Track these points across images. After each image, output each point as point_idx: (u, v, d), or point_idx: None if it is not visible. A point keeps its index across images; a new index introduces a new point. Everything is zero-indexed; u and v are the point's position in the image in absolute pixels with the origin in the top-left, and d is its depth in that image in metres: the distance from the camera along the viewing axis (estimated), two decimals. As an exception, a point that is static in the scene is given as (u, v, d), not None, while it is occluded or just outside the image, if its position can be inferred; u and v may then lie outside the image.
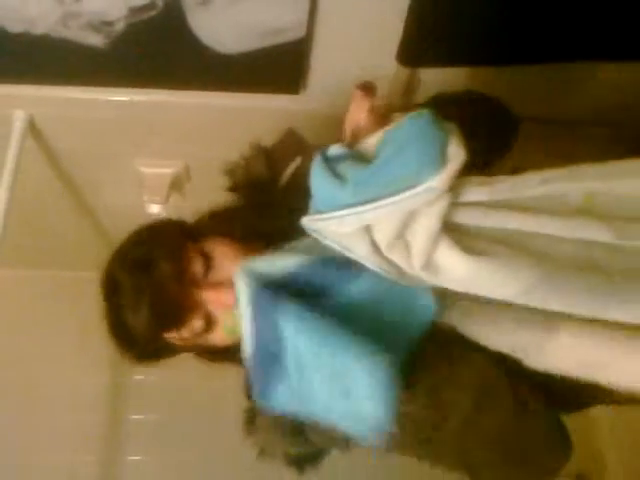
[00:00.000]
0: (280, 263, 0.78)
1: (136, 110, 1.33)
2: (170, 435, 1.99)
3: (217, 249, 0.84)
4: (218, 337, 0.83)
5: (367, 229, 0.74)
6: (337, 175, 0.74)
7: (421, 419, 0.73)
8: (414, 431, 0.74)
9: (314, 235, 0.78)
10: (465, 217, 0.75)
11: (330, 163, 0.76)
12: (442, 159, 0.71)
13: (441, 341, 0.75)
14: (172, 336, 0.83)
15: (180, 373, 1.93)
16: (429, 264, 0.72)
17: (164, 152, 1.48)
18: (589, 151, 0.90)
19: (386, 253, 0.73)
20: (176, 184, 1.54)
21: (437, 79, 1.25)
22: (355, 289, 0.76)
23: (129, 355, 0.86)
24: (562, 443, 0.78)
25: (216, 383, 1.82)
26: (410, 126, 0.73)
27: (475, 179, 0.77)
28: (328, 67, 1.25)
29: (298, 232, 0.82)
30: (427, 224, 0.72)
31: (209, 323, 0.81)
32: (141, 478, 1.98)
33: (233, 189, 1.00)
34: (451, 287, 0.73)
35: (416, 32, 1.12)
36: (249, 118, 1.33)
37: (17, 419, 1.94)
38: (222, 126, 1.37)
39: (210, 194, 0.96)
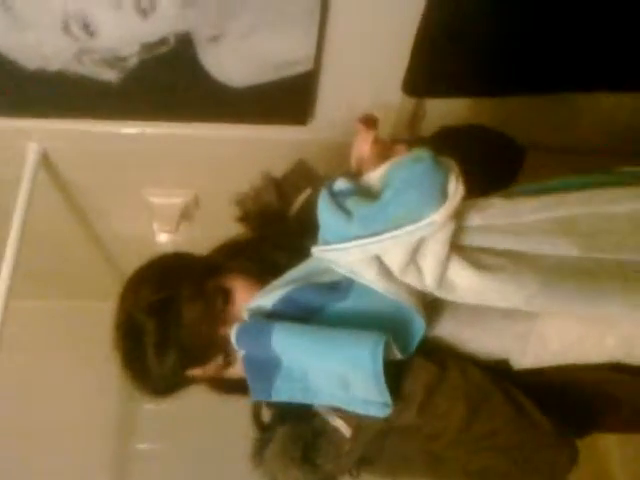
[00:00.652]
0: (272, 293, 0.81)
1: (147, 142, 1.35)
2: (178, 465, 1.98)
3: (236, 284, 0.86)
4: (238, 370, 0.85)
5: (376, 257, 0.77)
6: (343, 209, 0.76)
7: (415, 429, 0.78)
8: (414, 441, 0.80)
9: (325, 262, 0.80)
10: (469, 238, 0.79)
11: (336, 197, 0.78)
12: (443, 196, 0.74)
13: (431, 352, 0.79)
14: (194, 373, 0.85)
15: (189, 402, 1.98)
16: (443, 283, 0.76)
17: (174, 183, 1.51)
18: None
19: (400, 277, 0.76)
20: (185, 214, 1.55)
21: (442, 109, 1.27)
22: (342, 308, 0.80)
23: (145, 391, 0.88)
24: (566, 447, 0.79)
25: (224, 413, 1.86)
26: (411, 169, 0.76)
27: (476, 203, 0.82)
28: (335, 98, 1.27)
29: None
30: (435, 250, 0.75)
31: (230, 358, 0.84)
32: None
33: (243, 219, 1.02)
34: (464, 301, 0.77)
35: (421, 63, 1.15)
36: (258, 149, 1.35)
37: (25, 449, 1.93)
38: (231, 157, 1.39)
39: (219, 224, 0.98)
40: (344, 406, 0.78)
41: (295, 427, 0.87)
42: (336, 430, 0.83)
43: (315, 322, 0.80)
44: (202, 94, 1.20)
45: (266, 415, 0.92)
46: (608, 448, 1.99)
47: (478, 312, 0.79)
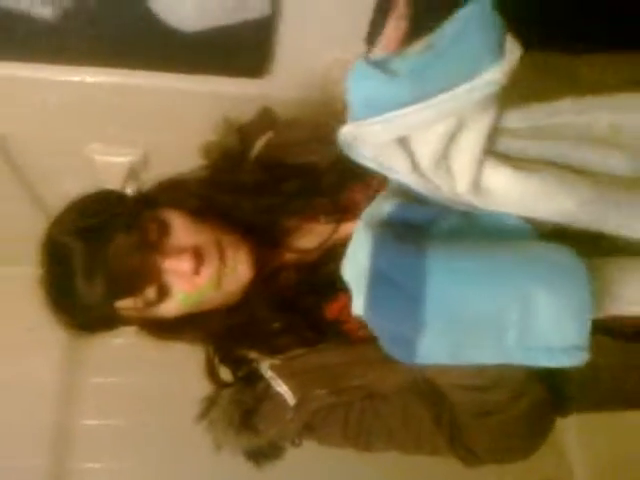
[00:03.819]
0: (385, 205, 0.72)
1: (88, 92, 1.24)
2: (126, 439, 1.91)
3: (173, 217, 0.81)
4: (170, 307, 0.80)
5: (407, 145, 0.67)
6: (385, 70, 0.65)
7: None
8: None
9: (348, 151, 0.71)
10: (506, 144, 0.70)
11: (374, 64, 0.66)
12: (501, 50, 0.63)
13: None
14: (124, 305, 0.78)
15: (136, 372, 1.91)
16: (477, 186, 0.67)
17: (120, 139, 1.40)
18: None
19: (428, 173, 0.67)
20: (133, 174, 1.45)
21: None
22: (447, 225, 0.71)
23: (72, 323, 0.82)
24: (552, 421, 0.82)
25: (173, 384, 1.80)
26: (465, 19, 0.65)
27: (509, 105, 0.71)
28: (294, 50, 1.18)
29: (264, 213, 0.84)
30: (473, 138, 0.66)
31: (163, 292, 0.78)
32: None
33: (209, 168, 0.96)
34: (503, 209, 0.68)
35: (386, 13, 1.07)
36: (211, 103, 1.25)
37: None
38: (182, 111, 1.29)
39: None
40: (520, 360, 0.64)
41: (238, 390, 0.85)
42: (280, 396, 0.82)
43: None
44: (149, 39, 1.11)
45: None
46: (565, 426, 2.00)
47: None
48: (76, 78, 1.21)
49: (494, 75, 0.63)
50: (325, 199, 0.89)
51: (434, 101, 0.62)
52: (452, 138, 0.66)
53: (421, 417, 0.81)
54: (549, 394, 0.78)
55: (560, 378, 0.79)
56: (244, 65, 1.19)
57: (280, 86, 1.24)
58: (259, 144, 0.95)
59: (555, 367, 0.62)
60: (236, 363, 0.89)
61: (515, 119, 0.71)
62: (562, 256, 0.62)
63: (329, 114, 1.11)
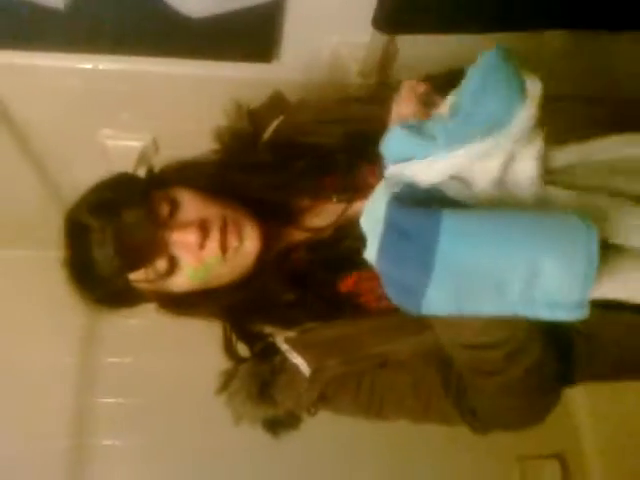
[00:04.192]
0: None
1: (100, 79, 1.26)
2: (144, 418, 1.95)
3: (182, 195, 0.84)
4: (181, 281, 0.83)
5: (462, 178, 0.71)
6: (423, 135, 0.70)
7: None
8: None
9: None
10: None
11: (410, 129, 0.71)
12: (523, 91, 0.68)
13: None
14: (137, 279, 0.82)
15: (153, 354, 1.95)
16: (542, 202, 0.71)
17: (131, 124, 1.42)
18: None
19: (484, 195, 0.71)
20: (143, 158, 1.48)
21: (416, 47, 1.21)
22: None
23: (92, 296, 0.86)
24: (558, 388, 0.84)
25: (188, 363, 1.83)
26: (481, 72, 0.70)
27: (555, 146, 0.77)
28: (301, 34, 1.19)
29: (273, 191, 0.87)
30: (530, 165, 0.71)
31: (172, 265, 0.82)
32: (112, 463, 1.92)
33: (221, 151, 0.99)
34: None
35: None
36: (219, 88, 1.25)
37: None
38: (191, 96, 1.31)
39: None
40: (522, 312, 0.66)
41: (255, 364, 0.89)
42: (296, 367, 0.86)
43: None
44: (158, 25, 1.12)
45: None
46: (575, 399, 2.02)
47: None
48: (88, 65, 1.24)
49: (528, 112, 0.68)
50: (336, 178, 0.91)
51: (473, 148, 0.68)
52: (506, 169, 0.70)
53: (430, 380, 0.85)
54: (553, 360, 0.79)
55: (566, 346, 0.82)
56: (252, 50, 1.21)
57: (287, 70, 1.25)
58: (270, 128, 0.97)
59: (556, 320, 0.65)
60: (252, 338, 0.92)
61: (561, 158, 0.76)
62: (574, 221, 0.63)
63: (336, 95, 1.13)
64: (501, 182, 0.71)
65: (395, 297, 0.70)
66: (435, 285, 0.64)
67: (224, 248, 0.81)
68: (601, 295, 0.69)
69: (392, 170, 0.73)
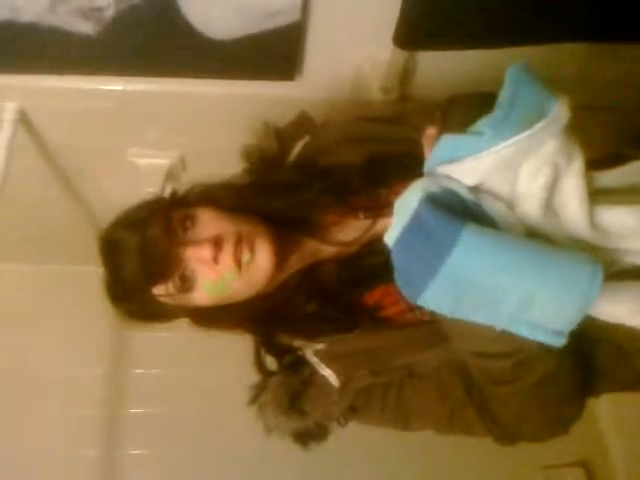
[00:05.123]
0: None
1: (129, 99, 1.30)
2: (171, 428, 1.98)
3: (203, 214, 0.87)
4: (200, 296, 0.86)
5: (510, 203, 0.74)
6: (470, 133, 0.74)
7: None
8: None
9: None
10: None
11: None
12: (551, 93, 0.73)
13: None
14: (159, 293, 0.86)
15: (179, 366, 1.98)
16: (594, 225, 0.73)
17: (159, 143, 1.46)
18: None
19: (535, 222, 0.73)
20: (172, 175, 1.51)
21: (435, 64, 1.23)
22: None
23: (121, 310, 0.91)
24: (580, 398, 0.85)
25: (217, 376, 1.86)
26: (512, 82, 0.74)
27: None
28: (324, 52, 1.22)
29: (294, 210, 0.90)
30: (573, 184, 0.73)
31: (189, 279, 0.85)
32: (141, 472, 1.96)
33: (249, 171, 1.02)
34: (625, 245, 0.74)
35: (414, 12, 1.09)
36: (244, 106, 1.30)
37: (13, 414, 1.92)
38: (217, 115, 1.35)
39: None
40: (505, 326, 0.70)
41: (286, 376, 0.91)
42: (325, 379, 0.88)
43: None
44: (185, 48, 1.15)
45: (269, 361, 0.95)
46: (600, 407, 2.01)
47: None
48: (118, 87, 1.28)
49: (560, 109, 0.71)
50: (361, 197, 0.94)
51: (518, 137, 0.70)
52: (553, 189, 0.73)
53: (454, 390, 0.86)
54: (573, 370, 0.80)
55: (588, 357, 0.83)
56: (276, 68, 1.23)
57: (310, 87, 1.28)
58: (296, 149, 1.00)
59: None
60: (281, 352, 0.94)
61: (608, 178, 0.78)
62: (582, 262, 0.67)
63: (358, 112, 1.15)
64: (548, 202, 0.73)
65: (398, 281, 0.74)
66: (433, 290, 0.69)
67: (238, 262, 0.83)
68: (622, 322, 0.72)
69: (438, 171, 0.76)
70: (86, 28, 1.09)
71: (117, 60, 1.20)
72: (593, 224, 0.73)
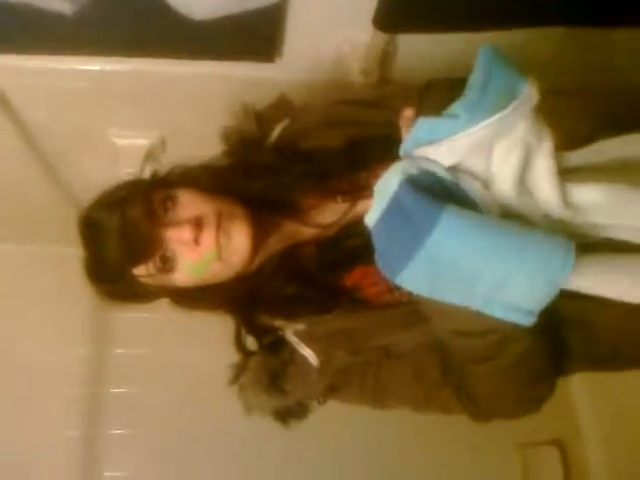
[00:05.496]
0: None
1: (108, 80, 1.29)
2: (152, 408, 1.99)
3: (183, 195, 0.87)
4: (181, 276, 0.87)
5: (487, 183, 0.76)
6: (445, 116, 0.76)
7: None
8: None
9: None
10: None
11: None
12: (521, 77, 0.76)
13: None
14: (140, 273, 0.86)
15: (161, 347, 1.99)
16: (565, 202, 0.76)
17: (138, 123, 1.45)
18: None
19: (510, 201, 0.76)
20: (151, 155, 1.51)
21: (414, 46, 1.24)
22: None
23: (102, 290, 0.91)
24: (552, 377, 0.87)
25: (197, 356, 1.86)
26: (482, 63, 0.77)
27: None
28: (304, 34, 1.22)
29: (274, 192, 0.91)
30: (543, 164, 0.76)
31: (169, 260, 0.85)
32: (123, 451, 1.97)
33: (229, 153, 1.02)
34: (597, 219, 0.76)
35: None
36: (223, 88, 1.30)
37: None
38: (196, 96, 1.34)
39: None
40: (479, 307, 0.73)
41: (266, 356, 0.92)
42: (305, 359, 0.89)
43: None
44: (163, 28, 1.14)
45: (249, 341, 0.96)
46: (574, 386, 2.06)
47: None
48: (96, 67, 1.27)
49: (529, 91, 0.74)
50: (340, 180, 0.95)
51: (492, 120, 0.73)
52: (525, 169, 0.76)
53: (431, 369, 0.88)
54: (545, 349, 0.82)
55: (560, 336, 0.85)
56: (255, 49, 1.23)
57: (290, 68, 1.28)
58: (276, 131, 1.00)
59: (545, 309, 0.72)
60: (261, 332, 0.95)
61: (577, 157, 0.81)
62: (556, 245, 0.70)
63: (338, 94, 1.15)
64: (521, 182, 0.76)
65: (378, 262, 0.77)
66: (412, 270, 0.72)
67: (218, 243, 0.84)
68: (593, 292, 0.74)
69: (416, 153, 0.78)
70: (63, 7, 1.08)
71: (95, 40, 1.18)
72: (564, 201, 0.76)
